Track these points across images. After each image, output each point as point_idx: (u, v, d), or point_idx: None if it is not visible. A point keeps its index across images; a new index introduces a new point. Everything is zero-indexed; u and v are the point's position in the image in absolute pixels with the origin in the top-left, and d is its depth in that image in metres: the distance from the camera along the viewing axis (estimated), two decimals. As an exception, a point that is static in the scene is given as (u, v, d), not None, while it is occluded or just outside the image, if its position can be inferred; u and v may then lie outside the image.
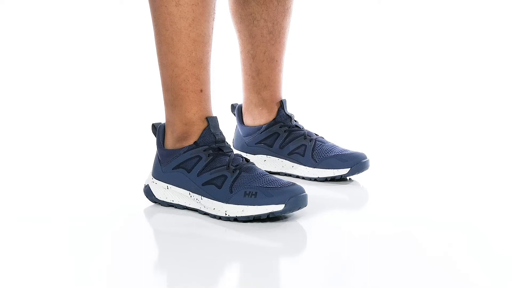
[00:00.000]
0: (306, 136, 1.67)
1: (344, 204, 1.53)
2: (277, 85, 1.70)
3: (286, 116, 1.69)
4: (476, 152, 1.99)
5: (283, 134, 1.68)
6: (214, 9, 1.40)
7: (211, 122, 1.40)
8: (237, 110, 1.73)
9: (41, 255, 1.19)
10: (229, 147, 1.41)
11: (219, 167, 1.36)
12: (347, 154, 1.62)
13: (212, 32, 1.40)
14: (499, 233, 1.31)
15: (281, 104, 1.69)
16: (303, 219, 1.35)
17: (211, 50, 1.41)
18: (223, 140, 1.41)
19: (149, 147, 1.67)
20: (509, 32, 2.93)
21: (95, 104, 2.62)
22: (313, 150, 1.64)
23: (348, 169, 1.61)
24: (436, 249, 1.22)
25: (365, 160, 1.62)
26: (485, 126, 2.32)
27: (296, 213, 1.37)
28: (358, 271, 1.13)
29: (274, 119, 1.69)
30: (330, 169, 1.62)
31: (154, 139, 1.48)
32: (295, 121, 1.70)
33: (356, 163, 1.61)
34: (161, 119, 1.49)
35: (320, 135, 1.70)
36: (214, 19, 1.40)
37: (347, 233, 1.32)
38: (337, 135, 1.87)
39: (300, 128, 1.69)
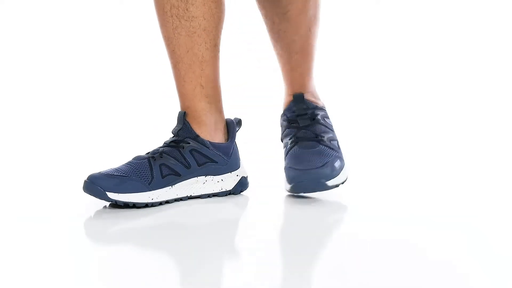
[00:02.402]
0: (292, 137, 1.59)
1: (341, 204, 1.53)
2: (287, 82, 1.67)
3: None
4: (475, 151, 1.99)
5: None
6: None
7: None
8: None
9: (41, 255, 1.19)
10: None
11: None
12: (295, 169, 1.50)
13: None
14: (499, 233, 1.31)
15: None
16: (302, 218, 1.36)
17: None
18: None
19: (148, 146, 1.67)
20: (509, 32, 2.93)
21: (96, 104, 2.62)
22: (286, 153, 1.58)
23: (290, 186, 1.51)
24: (435, 248, 1.22)
25: (302, 182, 1.47)
26: (482, 125, 2.32)
27: (293, 213, 1.38)
28: (357, 270, 1.13)
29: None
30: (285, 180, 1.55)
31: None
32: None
33: (297, 181, 1.48)
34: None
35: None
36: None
37: (343, 233, 1.32)
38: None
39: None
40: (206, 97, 1.51)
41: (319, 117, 1.57)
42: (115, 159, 1.91)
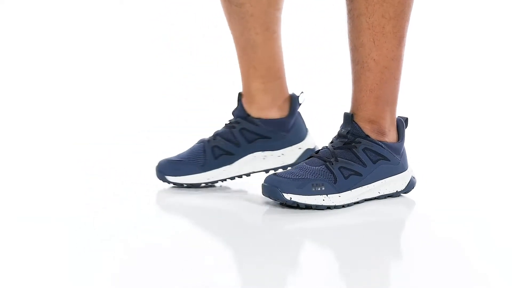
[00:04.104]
0: None
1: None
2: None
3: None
4: (474, 150, 1.99)
5: None
6: None
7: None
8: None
9: (41, 256, 1.19)
10: None
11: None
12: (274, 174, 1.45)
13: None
14: (501, 229, 1.32)
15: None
16: (301, 219, 1.36)
17: None
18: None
19: (148, 147, 1.68)
20: (509, 32, 2.93)
21: (96, 104, 2.62)
22: None
23: None
24: (439, 244, 1.22)
25: (265, 185, 1.41)
26: (481, 124, 2.32)
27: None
28: (360, 266, 1.13)
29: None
30: None
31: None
32: None
33: (263, 183, 1.43)
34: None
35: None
36: None
37: (345, 226, 1.32)
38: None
39: None
40: (260, 78, 1.56)
41: (358, 145, 1.44)
42: (115, 157, 1.92)
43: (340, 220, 1.37)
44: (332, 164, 1.42)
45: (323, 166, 1.42)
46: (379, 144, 1.45)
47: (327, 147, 1.47)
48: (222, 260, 1.18)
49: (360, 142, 1.44)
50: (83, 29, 2.98)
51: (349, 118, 1.46)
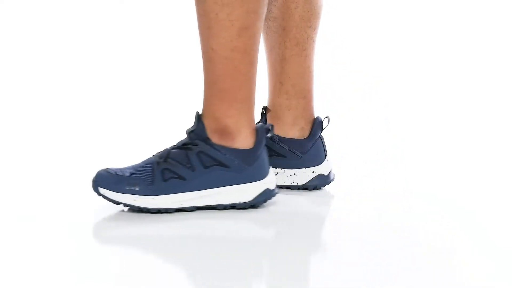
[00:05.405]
0: None
1: (339, 201, 1.53)
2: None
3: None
4: (473, 149, 2.00)
5: None
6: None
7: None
8: None
9: (41, 255, 1.19)
10: None
11: None
12: None
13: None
14: (500, 228, 1.32)
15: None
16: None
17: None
18: None
19: (147, 146, 1.67)
20: (509, 32, 2.93)
21: (96, 104, 2.62)
22: None
23: None
24: (437, 244, 1.23)
25: None
26: (479, 123, 2.33)
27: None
28: (356, 266, 1.13)
29: None
30: None
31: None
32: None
33: None
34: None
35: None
36: None
37: (344, 228, 1.33)
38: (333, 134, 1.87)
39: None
40: (284, 94, 1.55)
41: (193, 147, 1.39)
42: (114, 157, 1.92)
43: (338, 226, 1.38)
44: (159, 164, 1.37)
45: (150, 165, 1.37)
46: (216, 149, 1.37)
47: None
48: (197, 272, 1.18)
49: (197, 145, 1.37)
50: (82, 28, 2.98)
51: (196, 117, 1.39)
